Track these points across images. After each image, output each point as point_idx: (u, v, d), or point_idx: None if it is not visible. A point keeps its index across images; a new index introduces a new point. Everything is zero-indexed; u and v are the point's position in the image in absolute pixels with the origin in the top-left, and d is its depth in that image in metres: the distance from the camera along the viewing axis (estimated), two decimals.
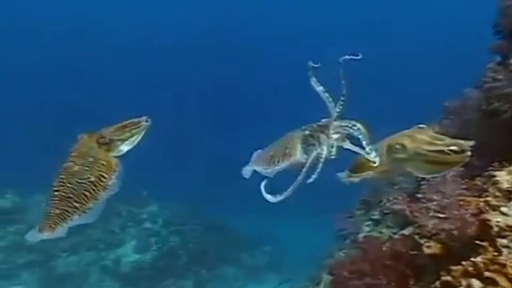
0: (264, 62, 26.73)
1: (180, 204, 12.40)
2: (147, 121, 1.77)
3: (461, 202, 1.62)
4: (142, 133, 1.77)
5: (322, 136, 1.75)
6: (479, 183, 1.95)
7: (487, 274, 1.37)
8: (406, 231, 2.42)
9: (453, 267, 1.47)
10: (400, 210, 1.85)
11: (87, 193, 1.61)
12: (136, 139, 1.76)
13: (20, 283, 8.33)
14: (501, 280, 1.32)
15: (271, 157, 1.85)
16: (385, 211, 4.25)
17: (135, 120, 1.77)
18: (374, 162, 1.58)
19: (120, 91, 22.73)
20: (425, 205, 1.68)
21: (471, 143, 1.54)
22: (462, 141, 1.56)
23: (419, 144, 1.63)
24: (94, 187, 1.62)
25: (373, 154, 1.60)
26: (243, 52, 27.22)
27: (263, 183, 1.74)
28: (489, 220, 1.55)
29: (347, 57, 1.68)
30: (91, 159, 1.65)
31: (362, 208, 4.93)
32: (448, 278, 1.46)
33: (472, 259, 1.44)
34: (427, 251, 1.62)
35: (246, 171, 1.97)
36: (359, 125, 1.67)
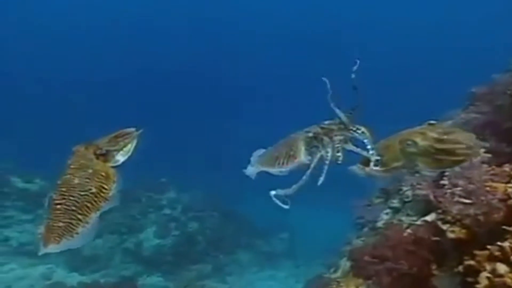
0: (261, 60, 26.60)
1: (198, 191, 12.62)
2: (137, 131, 1.77)
3: (488, 188, 1.60)
4: (135, 142, 1.77)
5: (326, 139, 1.78)
6: (507, 169, 1.91)
7: None
8: (428, 218, 2.40)
9: (478, 252, 1.47)
10: (424, 195, 1.84)
11: (89, 205, 1.62)
12: (130, 148, 1.77)
13: (49, 262, 8.77)
14: None
15: (276, 158, 1.87)
16: (405, 199, 4.21)
17: (126, 130, 1.78)
18: (376, 165, 1.61)
19: (122, 87, 23.18)
20: (450, 190, 1.67)
21: (484, 144, 1.55)
22: (472, 142, 1.57)
23: (430, 142, 1.65)
24: (95, 199, 1.63)
25: (376, 158, 1.62)
26: (239, 49, 27.14)
27: (273, 192, 1.78)
28: None
29: (353, 72, 1.69)
30: (90, 171, 1.65)
31: (381, 196, 4.90)
32: (472, 262, 1.46)
33: (499, 243, 1.42)
34: (450, 235, 1.62)
35: (251, 172, 1.98)
36: (363, 129, 1.69)
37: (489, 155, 2.02)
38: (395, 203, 4.44)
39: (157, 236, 10.84)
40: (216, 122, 21.80)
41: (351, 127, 1.74)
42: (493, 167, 2.05)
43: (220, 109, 23.24)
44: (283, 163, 1.85)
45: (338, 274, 4.54)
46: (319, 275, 5.63)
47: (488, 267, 1.41)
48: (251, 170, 1.99)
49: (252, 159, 2.04)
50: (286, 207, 1.82)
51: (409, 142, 1.66)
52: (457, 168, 1.84)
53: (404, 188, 4.28)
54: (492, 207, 1.52)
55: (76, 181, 1.63)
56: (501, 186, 1.62)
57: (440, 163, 1.57)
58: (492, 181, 1.60)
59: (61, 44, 26.25)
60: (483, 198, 1.52)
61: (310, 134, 1.83)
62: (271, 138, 2.03)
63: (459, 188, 1.60)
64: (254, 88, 25.45)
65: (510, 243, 1.43)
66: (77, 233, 1.59)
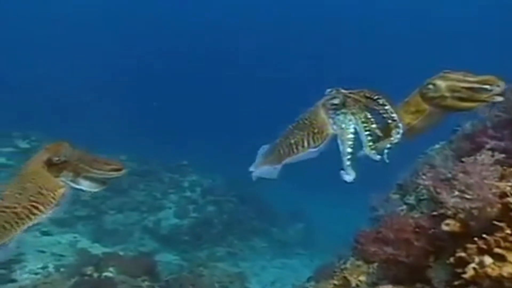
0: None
1: (218, 175, 12.88)
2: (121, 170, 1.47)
3: (486, 184, 1.63)
4: (113, 175, 1.48)
5: (357, 109, 1.55)
6: None
7: (497, 250, 1.40)
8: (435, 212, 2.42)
9: (469, 245, 1.51)
10: (425, 185, 1.89)
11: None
12: (103, 181, 1.47)
13: (75, 232, 9.38)
14: (510, 256, 1.35)
15: (292, 145, 1.59)
16: (420, 197, 4.20)
17: (117, 161, 1.50)
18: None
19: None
20: (449, 183, 1.71)
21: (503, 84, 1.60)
22: (494, 78, 1.61)
23: (452, 82, 1.67)
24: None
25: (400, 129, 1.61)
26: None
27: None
28: (511, 203, 1.55)
29: None
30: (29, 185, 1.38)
31: (398, 192, 4.89)
32: (463, 254, 1.51)
33: (484, 235, 1.47)
34: (445, 228, 1.67)
35: (258, 173, 1.71)
36: (383, 99, 1.61)
37: (503, 155, 2.02)
38: (411, 200, 4.44)
39: (176, 216, 11.25)
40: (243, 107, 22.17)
41: (373, 97, 1.55)
42: (504, 167, 2.04)
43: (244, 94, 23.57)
44: (307, 145, 1.54)
45: (347, 265, 4.60)
46: (328, 264, 5.71)
47: (476, 259, 1.47)
48: (259, 171, 1.71)
49: (257, 159, 1.76)
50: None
51: (430, 86, 1.68)
52: (462, 162, 1.86)
53: (421, 186, 4.27)
54: (487, 203, 1.56)
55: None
56: (500, 184, 1.65)
57: (464, 104, 1.59)
58: (493, 177, 1.62)
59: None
60: (479, 192, 1.56)
61: (336, 101, 1.56)
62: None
63: (459, 181, 1.64)
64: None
65: (496, 236, 1.47)
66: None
